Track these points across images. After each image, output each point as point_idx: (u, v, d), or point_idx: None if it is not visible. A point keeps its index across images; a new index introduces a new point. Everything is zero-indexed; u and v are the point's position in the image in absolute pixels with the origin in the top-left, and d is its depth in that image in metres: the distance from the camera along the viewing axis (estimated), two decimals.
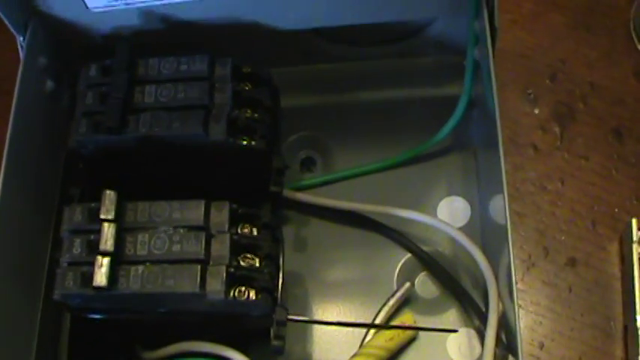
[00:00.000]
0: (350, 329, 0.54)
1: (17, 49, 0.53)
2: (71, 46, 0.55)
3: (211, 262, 0.46)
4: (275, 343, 0.49)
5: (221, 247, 0.47)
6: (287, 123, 0.58)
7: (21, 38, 0.52)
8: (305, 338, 0.55)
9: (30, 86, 0.51)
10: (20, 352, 0.49)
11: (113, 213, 0.47)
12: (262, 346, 0.50)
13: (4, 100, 0.51)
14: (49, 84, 0.54)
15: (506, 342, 0.49)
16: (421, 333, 0.54)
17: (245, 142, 0.49)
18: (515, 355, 0.46)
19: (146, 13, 0.53)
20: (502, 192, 0.47)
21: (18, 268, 0.50)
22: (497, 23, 0.51)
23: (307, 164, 0.61)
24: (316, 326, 0.55)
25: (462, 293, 0.54)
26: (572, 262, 0.58)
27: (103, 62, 0.51)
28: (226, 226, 0.48)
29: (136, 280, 0.46)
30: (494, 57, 0.50)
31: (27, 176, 0.51)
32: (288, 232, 0.57)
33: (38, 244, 0.52)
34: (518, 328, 0.45)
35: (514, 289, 0.45)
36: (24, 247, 0.50)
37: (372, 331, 0.53)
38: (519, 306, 0.57)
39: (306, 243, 0.58)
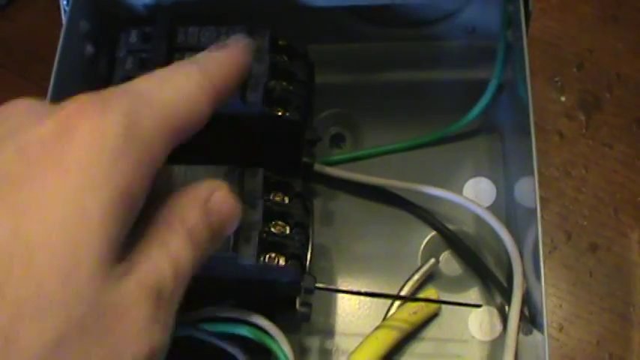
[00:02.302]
0: (374, 301, 0.55)
1: (52, 16, 0.53)
2: (112, 11, 0.55)
3: (244, 227, 0.47)
4: (302, 310, 0.50)
5: (254, 213, 0.48)
6: (319, 99, 0.59)
7: (64, 2, 0.53)
8: (329, 309, 0.56)
9: (71, 50, 0.52)
10: None
11: None
12: (285, 315, 0.51)
13: (40, 66, 0.52)
14: (89, 48, 0.55)
15: (529, 316, 0.50)
16: (444, 309, 0.55)
17: (280, 113, 0.50)
18: (538, 327, 0.47)
19: None
20: (532, 175, 0.47)
21: None
22: (532, 6, 0.52)
23: (337, 140, 0.62)
24: (341, 297, 0.56)
25: (486, 272, 0.55)
26: (593, 248, 0.59)
27: (143, 28, 0.52)
28: (260, 193, 0.49)
29: None
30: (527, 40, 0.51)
31: None
32: (316, 205, 0.58)
33: None
34: (544, 301, 0.46)
35: (541, 263, 0.46)
36: None
37: (396, 304, 0.54)
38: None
39: (333, 217, 0.58)
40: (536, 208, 0.47)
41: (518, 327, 0.49)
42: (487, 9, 0.57)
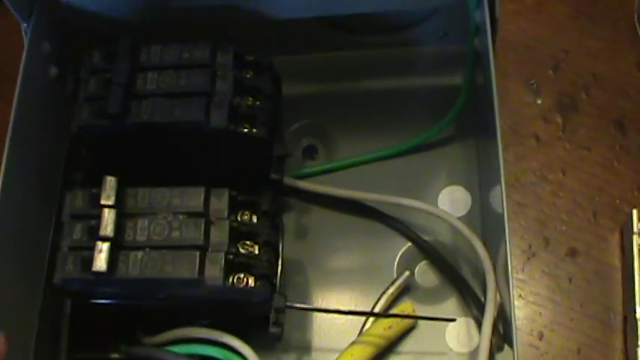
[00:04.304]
0: (349, 317, 0.54)
1: (20, 34, 0.53)
2: (75, 32, 0.55)
3: (210, 249, 0.47)
4: (273, 330, 0.49)
5: (220, 234, 0.47)
6: (289, 111, 0.58)
7: (25, 25, 0.52)
8: (304, 326, 0.55)
9: (33, 72, 0.52)
10: (21, 336, 0.50)
11: (113, 198, 0.47)
12: (261, 334, 0.50)
13: (7, 85, 0.51)
14: (53, 70, 0.54)
15: (503, 332, 0.50)
16: (420, 322, 0.54)
17: (246, 130, 0.49)
18: (510, 344, 0.47)
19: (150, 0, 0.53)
20: (500, 182, 0.47)
21: (20, 253, 0.50)
22: (498, 13, 0.51)
23: (309, 152, 0.61)
24: (315, 314, 0.55)
25: (462, 283, 0.55)
26: (572, 253, 0.58)
27: (106, 49, 0.51)
28: (225, 213, 0.48)
29: (135, 265, 0.46)
30: (494, 47, 0.50)
31: (30, 161, 0.51)
32: (289, 219, 0.58)
33: (40, 229, 0.53)
34: (513, 318, 0.45)
35: (510, 277, 0.45)
36: (26, 231, 0.51)
37: (372, 319, 0.54)
38: (519, 296, 0.57)
39: (306, 231, 0.58)
40: (503, 218, 0.46)
41: (491, 343, 0.48)
42: (457, 15, 0.56)
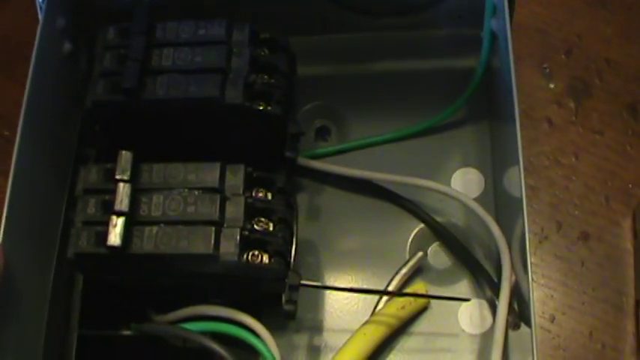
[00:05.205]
0: (362, 297, 0.54)
1: (34, 15, 0.53)
2: (90, 7, 0.55)
3: (225, 225, 0.46)
4: (287, 307, 0.49)
5: (235, 210, 0.47)
6: (303, 92, 0.58)
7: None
8: (316, 306, 0.55)
9: (48, 47, 0.51)
10: (32, 312, 0.49)
11: (129, 173, 0.47)
12: (274, 314, 0.50)
13: (23, 66, 0.51)
14: (67, 46, 0.54)
15: (518, 310, 0.49)
16: (433, 303, 0.54)
17: (261, 107, 0.49)
18: (527, 321, 0.47)
19: None
20: (517, 164, 0.47)
21: (32, 228, 0.50)
22: None
23: (322, 133, 0.61)
24: (328, 293, 0.55)
25: (475, 264, 0.54)
26: (584, 237, 0.58)
27: (121, 25, 0.51)
28: (241, 189, 0.48)
29: (149, 240, 0.46)
30: (511, 27, 0.50)
31: (43, 137, 0.51)
32: (301, 200, 0.57)
33: (53, 205, 0.52)
34: (531, 295, 0.45)
35: (528, 255, 0.45)
36: (39, 207, 0.50)
37: (384, 299, 0.53)
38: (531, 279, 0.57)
39: (319, 211, 0.58)
40: (522, 199, 0.46)
41: (507, 321, 0.48)
42: None
